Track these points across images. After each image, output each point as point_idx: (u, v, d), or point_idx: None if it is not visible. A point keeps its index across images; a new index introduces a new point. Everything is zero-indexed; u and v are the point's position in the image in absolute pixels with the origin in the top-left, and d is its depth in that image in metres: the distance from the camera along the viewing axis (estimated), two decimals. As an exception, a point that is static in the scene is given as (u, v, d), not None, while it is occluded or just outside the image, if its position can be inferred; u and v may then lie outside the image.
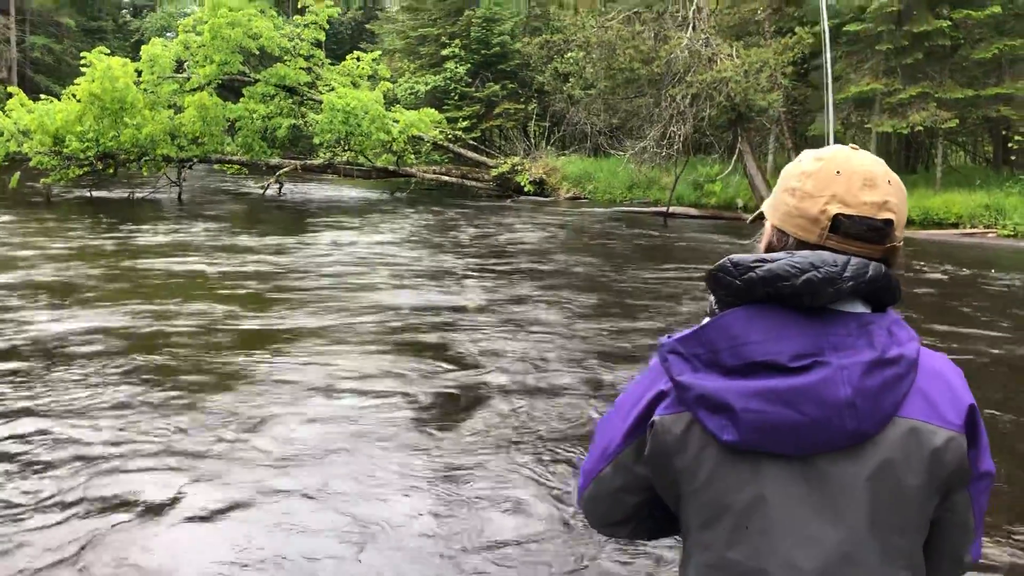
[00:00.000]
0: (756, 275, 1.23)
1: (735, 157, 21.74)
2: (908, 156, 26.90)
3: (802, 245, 1.30)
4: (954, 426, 1.23)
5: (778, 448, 1.21)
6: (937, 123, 20.31)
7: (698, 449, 1.26)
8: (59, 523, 4.07)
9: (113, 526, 4.05)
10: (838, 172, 1.30)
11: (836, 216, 1.28)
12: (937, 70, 21.12)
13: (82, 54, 22.56)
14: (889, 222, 1.29)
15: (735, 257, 1.27)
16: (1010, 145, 22.43)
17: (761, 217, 1.43)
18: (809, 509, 1.22)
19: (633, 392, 1.38)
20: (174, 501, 4.32)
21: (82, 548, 3.84)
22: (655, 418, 1.30)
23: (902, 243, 1.33)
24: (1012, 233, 17.66)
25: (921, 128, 20.73)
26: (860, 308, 1.26)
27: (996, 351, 7.67)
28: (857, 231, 1.28)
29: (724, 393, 1.22)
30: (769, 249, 1.36)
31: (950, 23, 20.15)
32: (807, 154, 1.37)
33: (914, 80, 20.96)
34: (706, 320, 1.31)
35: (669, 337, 1.31)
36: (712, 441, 1.24)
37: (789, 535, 1.22)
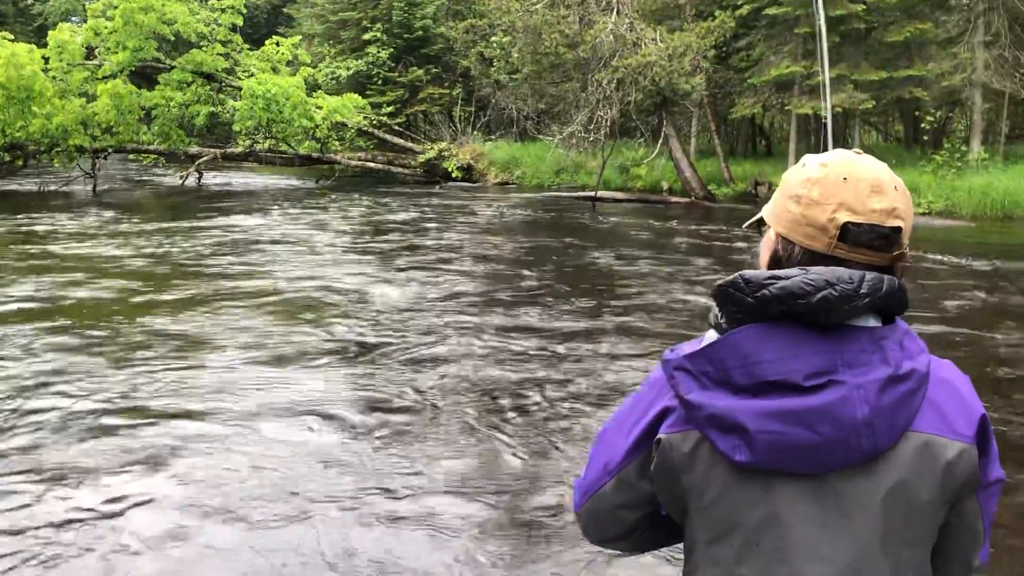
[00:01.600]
0: (770, 293, 1.20)
1: (660, 141, 21.98)
2: (825, 136, 27.61)
3: (809, 253, 1.28)
4: (966, 438, 1.23)
5: (792, 468, 1.20)
6: (854, 104, 20.86)
7: (707, 467, 1.24)
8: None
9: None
10: (845, 179, 1.27)
11: (845, 224, 1.25)
12: (852, 52, 21.68)
13: (-17, 40, 21.51)
14: (898, 229, 1.27)
15: (747, 273, 1.23)
16: (923, 125, 23.19)
17: (760, 223, 1.40)
18: (821, 527, 1.21)
19: (634, 407, 1.35)
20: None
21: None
22: (662, 436, 1.27)
23: (908, 249, 1.31)
24: (926, 211, 18.29)
25: (840, 110, 21.27)
26: (872, 322, 1.24)
27: (938, 330, 7.92)
28: (866, 239, 1.25)
29: (736, 413, 1.19)
30: (774, 257, 1.33)
31: (864, 7, 20.67)
32: (811, 159, 1.33)
33: (832, 62, 21.45)
34: (711, 333, 1.29)
35: (674, 351, 1.28)
36: (721, 460, 1.22)
37: (800, 552, 1.21)
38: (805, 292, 1.18)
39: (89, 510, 4.12)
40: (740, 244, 13.62)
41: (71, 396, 5.73)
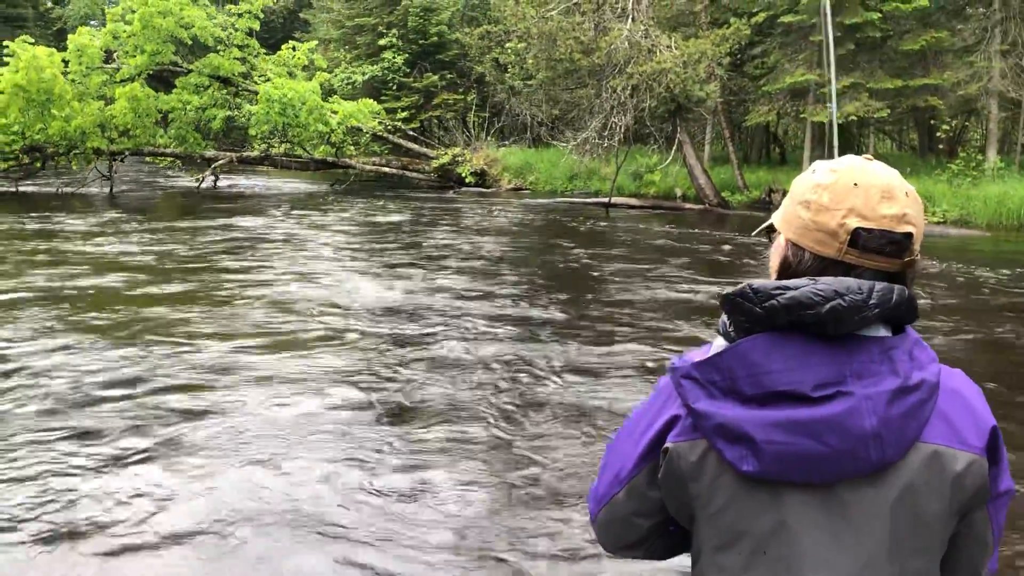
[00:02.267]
0: (778, 303, 1.19)
1: (674, 147, 21.94)
2: (839, 145, 27.51)
3: (819, 259, 1.27)
4: (976, 449, 1.22)
5: (799, 478, 1.19)
6: (869, 113, 20.78)
7: (714, 476, 1.24)
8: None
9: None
10: (855, 184, 1.26)
11: (855, 230, 1.24)
12: (868, 61, 21.60)
13: (4, 43, 21.71)
14: (909, 235, 1.26)
15: (756, 283, 1.22)
16: (938, 134, 23.06)
17: (771, 229, 1.40)
18: (828, 535, 1.20)
19: (643, 416, 1.35)
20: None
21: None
22: (669, 445, 1.27)
23: (919, 256, 1.30)
24: (941, 220, 18.19)
25: (854, 118, 21.19)
26: (882, 332, 1.23)
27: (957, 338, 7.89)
28: (877, 245, 1.24)
29: (743, 424, 1.19)
30: (784, 264, 1.32)
31: (880, 15, 20.61)
32: (820, 165, 1.33)
33: (846, 71, 21.42)
34: (719, 341, 1.29)
35: (682, 360, 1.28)
36: (729, 469, 1.22)
37: (807, 561, 1.20)
38: (814, 302, 1.17)
39: (82, 497, 4.21)
40: (754, 250, 13.59)
41: (74, 381, 5.96)
